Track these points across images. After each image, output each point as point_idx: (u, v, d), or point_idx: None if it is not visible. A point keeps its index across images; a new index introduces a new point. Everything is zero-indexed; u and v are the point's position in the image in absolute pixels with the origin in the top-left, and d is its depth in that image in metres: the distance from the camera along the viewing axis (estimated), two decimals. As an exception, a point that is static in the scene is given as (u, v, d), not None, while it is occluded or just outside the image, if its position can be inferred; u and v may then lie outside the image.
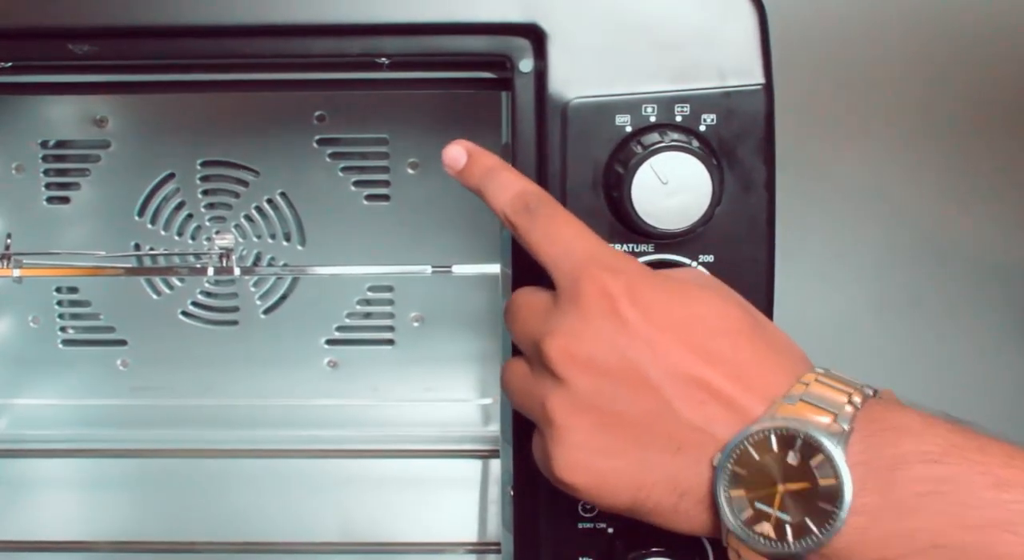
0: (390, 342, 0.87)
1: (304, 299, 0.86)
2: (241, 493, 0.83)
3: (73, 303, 0.87)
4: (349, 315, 0.87)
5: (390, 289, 0.86)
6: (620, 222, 0.50)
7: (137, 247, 0.85)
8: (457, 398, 0.86)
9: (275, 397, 0.86)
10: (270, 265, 0.85)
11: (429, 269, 0.73)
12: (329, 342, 0.87)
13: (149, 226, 0.85)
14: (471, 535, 0.80)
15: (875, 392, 0.41)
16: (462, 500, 0.82)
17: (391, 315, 0.86)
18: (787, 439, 0.39)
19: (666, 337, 0.41)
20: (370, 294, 0.86)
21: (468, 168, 0.47)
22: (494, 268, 0.69)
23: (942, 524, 0.36)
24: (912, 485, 0.37)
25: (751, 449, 0.40)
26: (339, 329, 0.87)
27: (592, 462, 0.42)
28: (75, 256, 0.78)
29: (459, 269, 0.73)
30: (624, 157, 0.49)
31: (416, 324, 0.86)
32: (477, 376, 0.86)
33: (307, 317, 0.85)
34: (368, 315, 0.87)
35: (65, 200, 0.83)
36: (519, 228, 0.45)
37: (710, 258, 0.52)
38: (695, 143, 0.49)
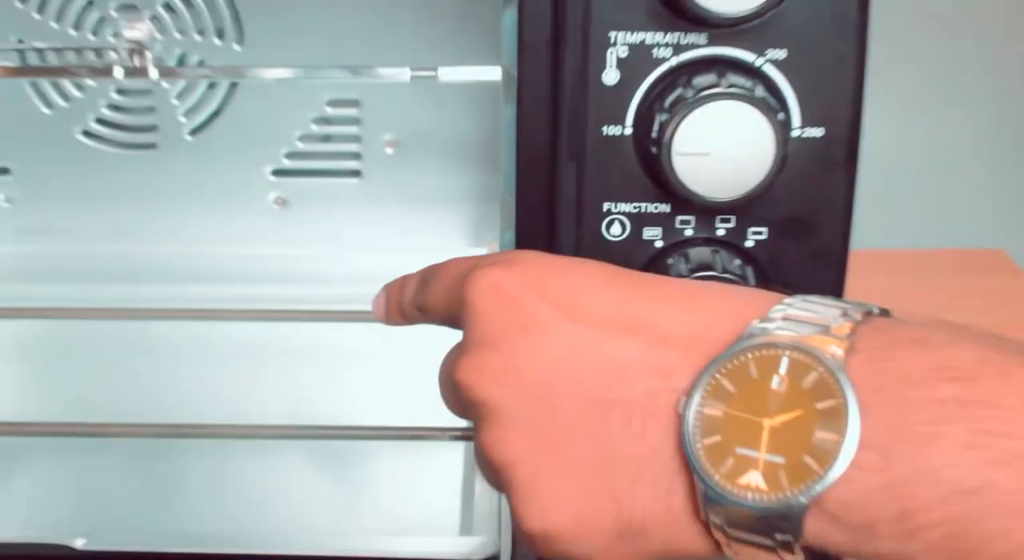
0: (356, 174, 0.73)
1: (243, 116, 0.70)
2: (161, 364, 0.71)
3: (-63, 119, 0.71)
4: (302, 138, 0.72)
5: (356, 104, 0.71)
6: (664, 4, 0.43)
7: (20, 43, 0.68)
8: (440, 247, 0.73)
9: (205, 243, 0.73)
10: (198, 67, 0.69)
11: (408, 73, 0.59)
12: (276, 173, 0.73)
13: (35, 16, 0.67)
14: (457, 418, 0.66)
15: (882, 310, 0.35)
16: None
17: (357, 138, 0.72)
18: (768, 360, 0.33)
19: (571, 304, 0.37)
20: (330, 110, 0.72)
21: (391, 310, 0.46)
22: (493, 72, 0.54)
23: (968, 460, 0.30)
24: (929, 408, 0.31)
25: (724, 382, 0.34)
26: (289, 156, 0.73)
27: (554, 490, 0.36)
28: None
29: (447, 73, 0.58)
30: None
31: (389, 151, 0.72)
32: (466, 218, 0.73)
33: (247, 139, 0.71)
34: (327, 138, 0.72)
35: (-76, -18, 0.66)
36: (422, 302, 0.43)
37: (781, 54, 0.44)
38: None
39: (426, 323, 0.44)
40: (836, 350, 0.33)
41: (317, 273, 0.72)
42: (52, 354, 0.71)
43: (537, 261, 0.39)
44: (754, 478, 0.33)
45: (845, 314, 0.34)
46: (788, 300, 0.35)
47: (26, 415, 0.65)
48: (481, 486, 0.62)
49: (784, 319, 0.34)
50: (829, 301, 0.35)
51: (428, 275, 0.43)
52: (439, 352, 0.44)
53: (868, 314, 0.35)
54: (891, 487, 0.31)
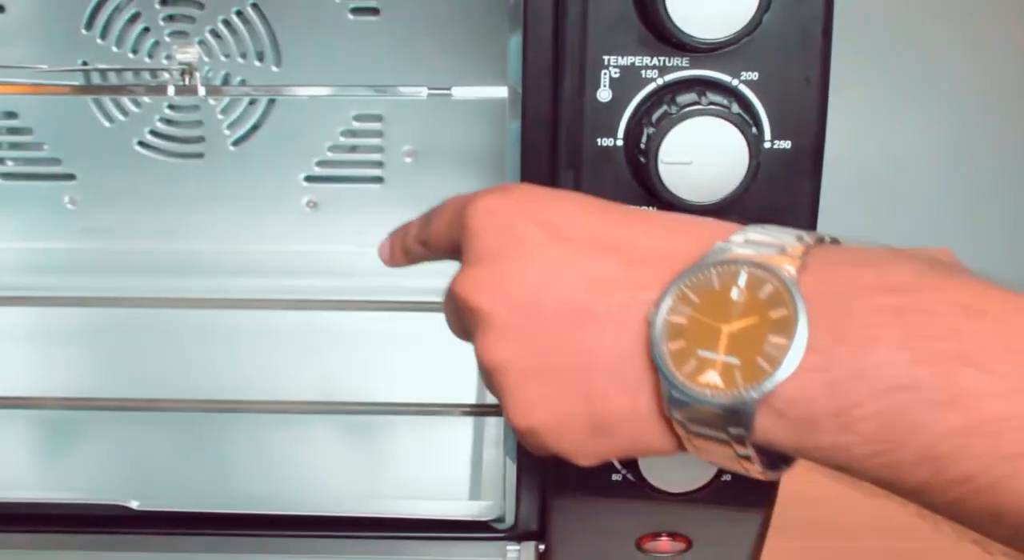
0: (378, 180, 0.72)
1: (280, 128, 0.70)
2: (206, 347, 0.70)
3: (12, 131, 0.71)
4: (332, 148, 0.72)
5: (379, 118, 0.71)
6: (650, 30, 0.42)
7: (85, 65, 0.68)
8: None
9: (246, 241, 0.72)
10: (240, 86, 0.69)
11: (425, 91, 0.59)
12: (308, 179, 0.72)
13: (99, 41, 0.67)
14: (468, 395, 0.66)
15: (833, 238, 0.35)
16: (458, 357, 0.68)
17: (380, 149, 0.71)
18: (729, 274, 0.33)
19: (557, 227, 0.37)
20: (356, 124, 0.71)
21: (395, 252, 0.46)
22: (500, 90, 0.53)
23: (900, 360, 0.30)
24: (869, 315, 0.31)
25: (689, 293, 0.34)
26: (320, 164, 0.72)
27: (537, 391, 0.36)
28: (11, 71, 0.61)
29: (460, 92, 0.59)
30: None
31: (409, 159, 0.72)
32: (477, 220, 0.71)
33: (283, 149, 0.71)
34: (354, 148, 0.72)
35: (-1, 9, 0.66)
36: (426, 236, 0.43)
37: (754, 75, 0.43)
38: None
39: (429, 260, 0.44)
40: (790, 267, 0.33)
41: (344, 268, 0.72)
42: (110, 338, 0.71)
43: (529, 190, 0.39)
44: (712, 377, 0.33)
45: (800, 239, 0.34)
46: (749, 227, 0.35)
47: (87, 392, 0.65)
48: (488, 456, 0.62)
49: (746, 241, 0.34)
50: (785, 228, 0.35)
51: (430, 214, 0.43)
52: (450, 337, 0.45)
53: (820, 240, 0.35)
54: (832, 385, 0.31)
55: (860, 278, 0.32)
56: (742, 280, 0.33)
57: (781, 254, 0.33)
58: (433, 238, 0.42)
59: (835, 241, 0.35)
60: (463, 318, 0.39)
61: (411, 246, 0.44)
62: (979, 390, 0.29)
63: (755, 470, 0.34)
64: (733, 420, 0.32)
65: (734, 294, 0.33)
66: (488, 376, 0.37)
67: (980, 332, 0.30)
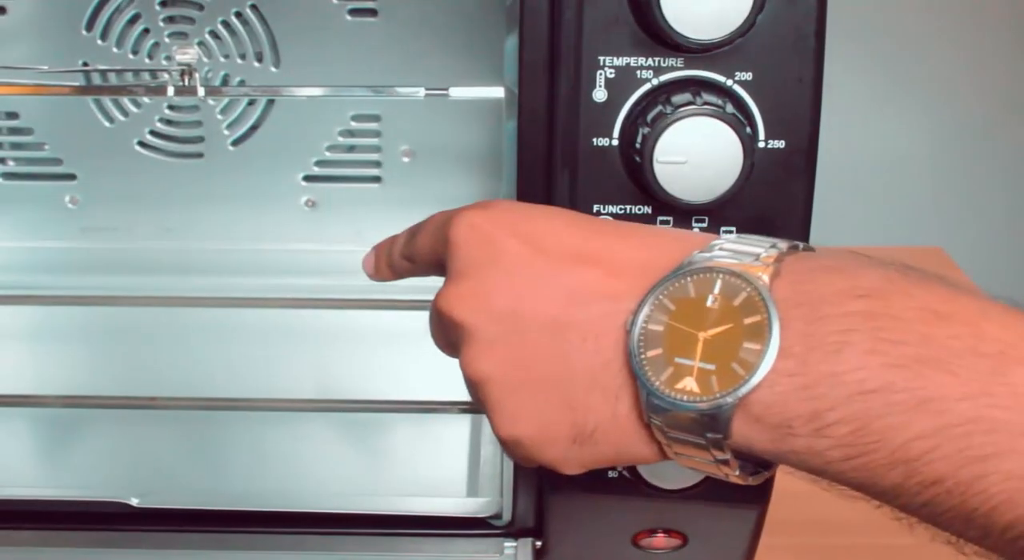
0: (376, 179, 0.71)
1: (278, 128, 0.70)
2: (206, 346, 0.70)
3: (13, 131, 0.70)
4: (330, 148, 0.71)
5: (377, 118, 0.70)
6: (645, 31, 0.42)
7: (85, 66, 0.68)
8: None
9: (245, 240, 0.72)
10: (239, 86, 0.68)
11: (422, 92, 0.59)
12: (307, 178, 0.72)
13: (99, 42, 0.67)
14: (466, 393, 0.66)
15: (806, 246, 0.36)
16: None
17: (378, 149, 0.70)
18: (705, 282, 0.34)
19: (537, 241, 0.37)
20: (354, 124, 0.71)
21: (380, 266, 0.46)
22: (496, 91, 0.54)
23: (870, 364, 0.30)
24: (842, 321, 0.31)
25: (666, 301, 0.34)
26: (318, 164, 0.71)
27: (521, 402, 0.36)
28: (12, 72, 0.61)
29: (457, 92, 0.59)
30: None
31: (406, 159, 0.71)
32: (474, 219, 0.71)
33: (282, 149, 0.70)
34: (352, 148, 0.71)
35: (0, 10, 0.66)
36: (410, 252, 0.43)
37: (748, 75, 0.43)
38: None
39: (412, 275, 0.44)
40: (763, 275, 0.33)
41: (342, 266, 0.70)
42: (112, 337, 0.71)
43: (509, 206, 0.40)
44: (689, 383, 0.33)
45: (774, 246, 0.35)
46: (725, 237, 0.36)
47: (88, 390, 0.65)
48: (486, 453, 0.62)
49: (721, 250, 0.35)
50: (760, 237, 0.36)
51: (415, 229, 0.43)
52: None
53: (794, 248, 0.35)
54: (805, 390, 0.31)
55: (831, 284, 0.32)
56: (717, 288, 0.33)
57: (755, 262, 0.34)
58: (418, 253, 0.42)
59: (809, 249, 0.36)
60: (447, 332, 0.39)
61: (396, 261, 0.44)
62: (947, 394, 0.29)
63: (734, 475, 0.34)
64: (710, 425, 0.33)
65: (709, 302, 0.33)
66: (473, 388, 0.38)
67: (948, 337, 0.30)
